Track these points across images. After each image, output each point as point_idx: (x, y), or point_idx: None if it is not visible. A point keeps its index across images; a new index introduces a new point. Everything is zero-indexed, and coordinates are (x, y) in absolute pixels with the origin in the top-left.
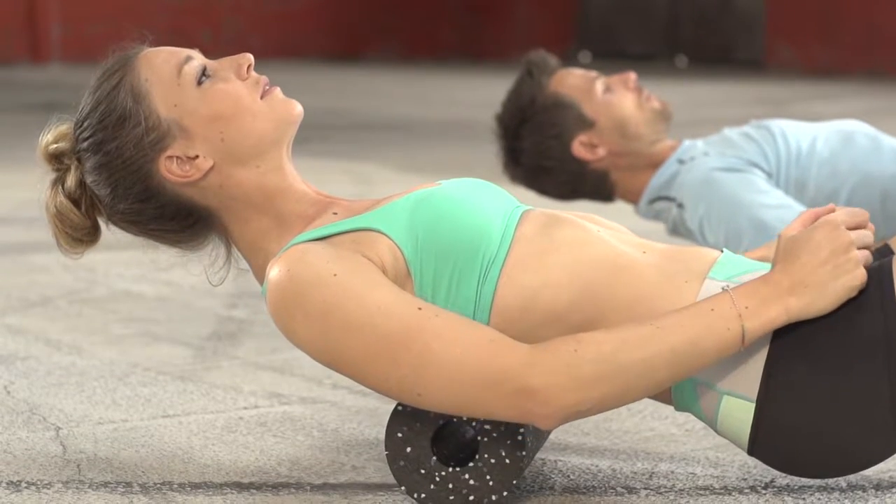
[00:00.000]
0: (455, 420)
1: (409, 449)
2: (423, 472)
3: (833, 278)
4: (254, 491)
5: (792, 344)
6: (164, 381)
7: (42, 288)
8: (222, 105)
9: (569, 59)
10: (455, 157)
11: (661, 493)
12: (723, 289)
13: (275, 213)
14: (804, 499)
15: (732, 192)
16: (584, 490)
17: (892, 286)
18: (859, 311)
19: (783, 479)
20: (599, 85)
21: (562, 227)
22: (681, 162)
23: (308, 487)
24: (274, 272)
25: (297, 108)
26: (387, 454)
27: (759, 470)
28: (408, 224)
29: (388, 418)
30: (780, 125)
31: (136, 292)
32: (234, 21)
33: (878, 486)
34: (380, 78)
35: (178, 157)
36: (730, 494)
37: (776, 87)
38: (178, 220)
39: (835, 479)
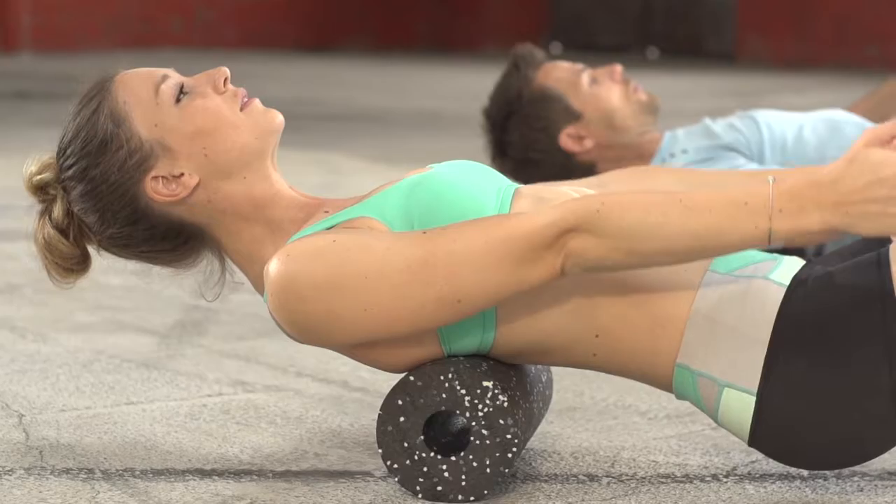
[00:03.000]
0: (456, 412)
1: (402, 419)
2: (405, 444)
3: (875, 218)
4: (216, 478)
5: (792, 336)
6: (129, 368)
7: (8, 275)
8: (203, 120)
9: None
10: (426, 147)
11: (622, 482)
12: (770, 179)
13: (266, 222)
14: (765, 487)
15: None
16: (545, 478)
17: (891, 276)
18: (858, 302)
19: (745, 467)
20: (586, 77)
21: (558, 198)
22: (663, 161)
23: (270, 474)
24: (272, 265)
25: (278, 118)
26: (379, 414)
27: (721, 458)
28: (403, 209)
29: (351, 406)
30: (765, 115)
31: (103, 281)
32: (206, 11)
33: (839, 475)
34: (352, 69)
35: (163, 177)
36: (691, 482)
37: (747, 80)
38: (170, 239)
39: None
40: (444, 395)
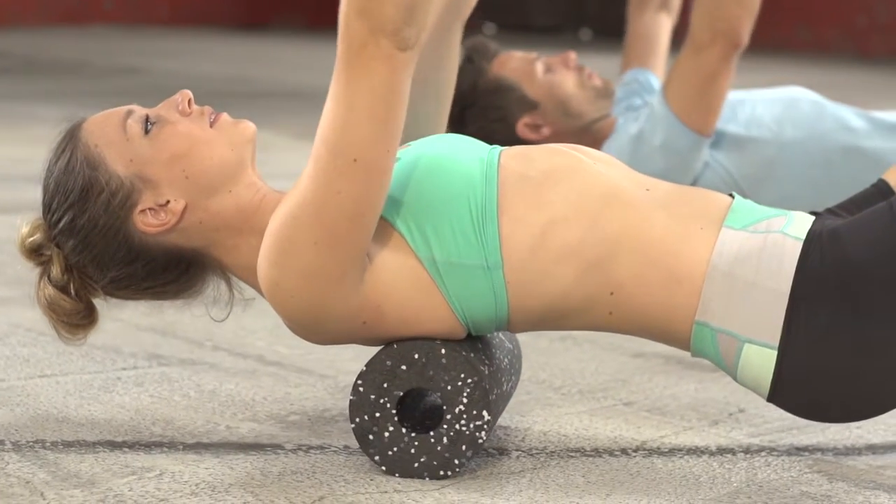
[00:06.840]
0: (444, 407)
1: (404, 367)
2: (385, 385)
3: None
4: (126, 449)
5: (813, 290)
6: (45, 342)
7: None
8: (176, 145)
9: (474, 31)
10: None
11: (532, 455)
12: None
13: (259, 230)
14: (673, 461)
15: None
16: None
17: None
18: (878, 253)
19: (654, 441)
20: (540, 66)
21: (549, 155)
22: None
23: (181, 447)
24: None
25: (251, 127)
26: (392, 346)
27: (631, 433)
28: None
29: (266, 380)
30: None
31: None
32: None
33: (748, 450)
34: (283, 47)
35: (150, 209)
36: (600, 457)
37: None
38: (171, 270)
39: (738, 437)
40: (449, 388)
